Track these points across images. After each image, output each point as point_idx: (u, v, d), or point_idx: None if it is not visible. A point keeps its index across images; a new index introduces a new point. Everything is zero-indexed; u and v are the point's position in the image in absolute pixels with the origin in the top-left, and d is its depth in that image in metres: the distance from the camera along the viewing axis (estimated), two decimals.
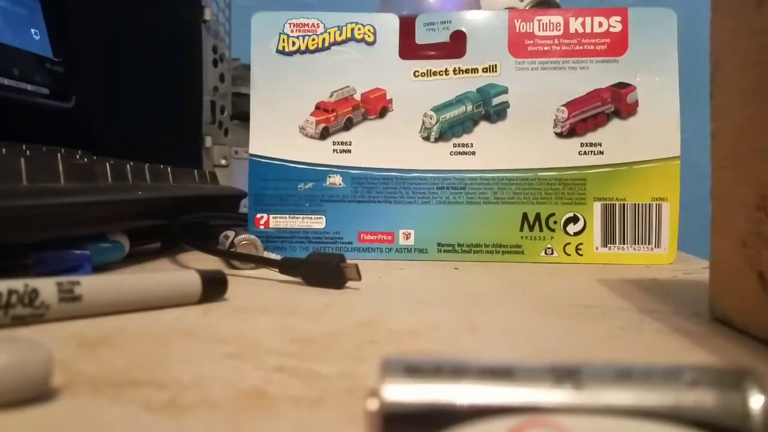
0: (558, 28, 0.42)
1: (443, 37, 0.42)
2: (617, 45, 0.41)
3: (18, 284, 0.20)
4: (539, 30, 0.42)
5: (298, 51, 0.43)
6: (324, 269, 0.30)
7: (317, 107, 0.43)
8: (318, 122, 0.43)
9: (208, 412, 0.14)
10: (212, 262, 0.37)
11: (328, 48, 0.43)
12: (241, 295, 0.27)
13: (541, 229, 0.41)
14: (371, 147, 0.42)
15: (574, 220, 0.41)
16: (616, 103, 0.41)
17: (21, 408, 0.14)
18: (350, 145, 0.43)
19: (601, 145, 0.41)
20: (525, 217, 0.41)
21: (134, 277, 0.26)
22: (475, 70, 0.42)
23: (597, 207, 0.41)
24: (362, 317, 0.24)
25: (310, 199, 0.42)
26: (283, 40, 0.43)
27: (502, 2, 0.59)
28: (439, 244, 0.42)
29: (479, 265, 0.40)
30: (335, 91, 0.43)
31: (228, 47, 0.64)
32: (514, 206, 0.42)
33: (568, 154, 0.42)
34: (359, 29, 0.43)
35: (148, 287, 0.24)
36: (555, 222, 0.41)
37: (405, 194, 0.42)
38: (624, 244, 0.41)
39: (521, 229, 0.41)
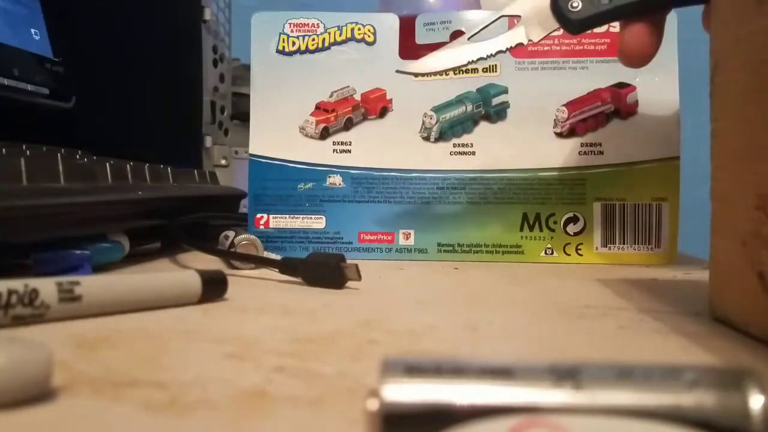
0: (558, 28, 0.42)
1: (443, 37, 0.42)
2: (617, 45, 0.41)
3: (18, 284, 0.20)
4: None
5: (298, 51, 0.43)
6: (324, 269, 0.30)
7: (317, 107, 0.43)
8: (318, 122, 0.43)
9: (208, 412, 0.14)
10: (212, 262, 0.37)
11: (328, 48, 0.43)
12: (241, 295, 0.27)
13: (541, 229, 0.41)
14: (371, 147, 0.42)
15: (574, 220, 0.41)
16: (616, 103, 0.41)
17: (21, 408, 0.14)
18: (350, 145, 0.43)
19: (601, 145, 0.41)
20: (525, 217, 0.41)
21: (134, 277, 0.26)
22: (475, 70, 0.42)
23: (597, 207, 0.41)
24: (362, 317, 0.24)
25: (310, 199, 0.42)
26: (283, 40, 0.43)
27: (502, 2, 0.59)
28: (439, 244, 0.42)
29: (479, 265, 0.40)
30: (335, 91, 0.43)
31: (228, 47, 0.64)
32: (514, 206, 0.42)
33: (568, 154, 0.42)
34: (359, 29, 0.43)
35: (148, 287, 0.24)
36: (555, 222, 0.41)
37: (405, 194, 0.42)
38: (624, 244, 0.41)
39: (521, 229, 0.41)
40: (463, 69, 0.42)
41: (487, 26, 0.37)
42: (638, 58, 0.34)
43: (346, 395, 0.15)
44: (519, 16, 0.35)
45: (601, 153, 0.41)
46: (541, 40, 0.35)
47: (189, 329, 0.22)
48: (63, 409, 0.14)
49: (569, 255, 0.41)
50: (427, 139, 0.42)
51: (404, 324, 0.23)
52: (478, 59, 0.36)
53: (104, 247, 0.33)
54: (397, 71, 0.40)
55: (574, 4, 0.33)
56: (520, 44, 0.36)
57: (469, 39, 0.37)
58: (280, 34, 0.43)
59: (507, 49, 0.36)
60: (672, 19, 0.41)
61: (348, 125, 0.43)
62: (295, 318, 0.24)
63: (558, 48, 0.42)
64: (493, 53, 0.36)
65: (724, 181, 0.23)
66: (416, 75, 0.40)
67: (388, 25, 0.43)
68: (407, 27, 0.43)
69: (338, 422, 0.14)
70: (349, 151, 0.43)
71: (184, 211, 0.40)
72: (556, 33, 0.41)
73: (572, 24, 0.34)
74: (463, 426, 0.11)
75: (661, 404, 0.11)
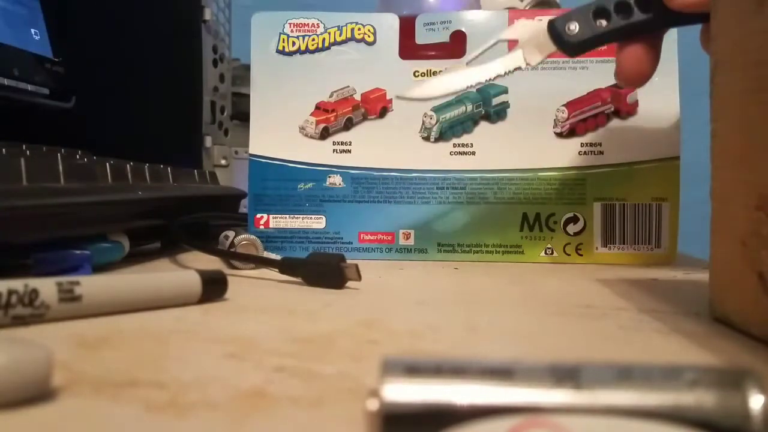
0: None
1: (443, 37, 0.42)
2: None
3: (18, 284, 0.20)
4: None
5: (298, 51, 0.43)
6: (324, 269, 0.30)
7: (317, 107, 0.43)
8: (318, 122, 0.43)
9: (208, 412, 0.14)
10: (212, 262, 0.37)
11: (328, 48, 0.43)
12: (241, 295, 0.27)
13: (541, 229, 0.41)
14: (371, 147, 0.42)
15: (574, 220, 0.41)
16: (616, 103, 0.41)
17: (21, 408, 0.14)
18: (350, 145, 0.43)
19: (601, 145, 0.41)
20: (525, 217, 0.41)
21: (134, 277, 0.26)
22: None
23: (597, 207, 0.41)
24: (362, 317, 0.24)
25: (310, 199, 0.42)
26: (283, 40, 0.43)
27: (502, 2, 0.59)
28: (439, 244, 0.42)
29: (479, 265, 0.40)
30: (335, 91, 0.43)
31: (228, 47, 0.64)
32: (514, 206, 0.42)
33: (568, 154, 0.42)
34: (359, 29, 0.43)
35: (148, 287, 0.24)
36: (555, 222, 0.41)
37: (405, 194, 0.42)
38: (624, 244, 0.41)
39: (521, 229, 0.41)
40: None
41: (484, 51, 0.37)
42: (636, 79, 0.35)
43: (346, 395, 0.15)
44: (517, 40, 0.36)
45: (601, 153, 0.41)
46: (539, 63, 0.36)
47: (189, 329, 0.22)
48: (63, 409, 0.14)
49: (569, 255, 0.41)
50: (427, 139, 0.42)
51: (404, 324, 0.23)
52: (477, 84, 0.37)
53: (104, 247, 0.33)
54: (397, 97, 0.41)
55: (571, 27, 0.33)
56: (519, 68, 0.36)
57: (467, 64, 0.37)
58: (280, 34, 0.43)
59: (506, 73, 0.36)
60: None
61: (348, 125, 0.43)
62: (295, 318, 0.24)
63: None
64: (492, 78, 0.36)
65: (724, 181, 0.23)
66: (416, 100, 0.40)
67: (388, 25, 0.43)
68: (407, 27, 0.43)
69: (338, 422, 0.14)
70: (349, 151, 0.43)
71: (184, 211, 0.40)
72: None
73: (569, 47, 0.34)
74: (463, 426, 0.11)
75: (661, 404, 0.11)
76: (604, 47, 0.37)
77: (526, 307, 0.27)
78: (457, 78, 0.37)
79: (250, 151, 0.43)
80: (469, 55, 0.38)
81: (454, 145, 0.42)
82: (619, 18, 0.33)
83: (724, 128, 0.23)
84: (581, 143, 0.42)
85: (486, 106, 0.42)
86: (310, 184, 0.42)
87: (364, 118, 0.43)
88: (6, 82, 0.47)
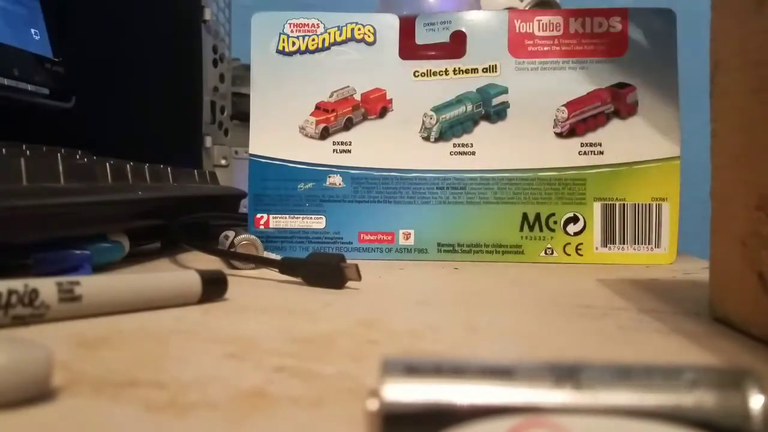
0: (558, 28, 0.42)
1: (443, 37, 0.42)
2: (617, 45, 0.41)
3: (18, 284, 0.20)
4: (539, 30, 0.42)
5: (298, 51, 0.43)
6: (324, 269, 0.30)
7: (317, 107, 0.43)
8: (318, 122, 0.43)
9: (208, 412, 0.14)
10: (212, 262, 0.37)
11: (328, 48, 0.43)
12: (241, 295, 0.27)
13: (541, 229, 0.41)
14: (371, 147, 0.42)
15: (574, 220, 0.41)
16: (616, 103, 0.41)
17: (21, 408, 0.14)
18: (350, 145, 0.43)
19: (601, 145, 0.41)
20: (525, 217, 0.41)
21: (134, 277, 0.26)
22: (475, 70, 0.42)
23: (597, 207, 0.41)
24: (362, 317, 0.24)
25: (310, 199, 0.42)
26: (283, 40, 0.43)
27: (502, 2, 0.59)
28: (439, 244, 0.42)
29: (479, 265, 0.40)
30: (335, 91, 0.43)
31: (228, 47, 0.64)
32: (514, 206, 0.42)
33: (568, 154, 0.42)
34: (359, 29, 0.43)
35: (148, 287, 0.24)
36: (555, 222, 0.41)
37: (405, 194, 0.42)
38: (624, 244, 0.41)
39: (521, 229, 0.41)
40: (463, 69, 0.42)
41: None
42: None
43: (346, 395, 0.15)
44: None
45: (601, 153, 0.41)
46: None
47: (189, 329, 0.22)
48: (63, 409, 0.14)
49: (569, 255, 0.41)
50: (427, 139, 0.42)
51: (404, 324, 0.23)
52: None
53: (104, 247, 0.33)
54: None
55: None
56: None
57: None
58: (280, 34, 0.43)
59: None
60: (672, 18, 0.41)
61: (348, 125, 0.43)
62: (295, 318, 0.24)
63: (558, 48, 0.42)
64: None
65: (724, 181, 0.23)
66: None
67: (388, 25, 0.43)
68: (407, 27, 0.43)
69: (338, 422, 0.14)
70: (349, 151, 0.43)
71: (184, 211, 0.40)
72: (555, 33, 0.42)
73: None
74: (463, 426, 0.11)
75: (661, 404, 0.11)
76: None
77: (526, 307, 0.27)
78: None
79: (250, 151, 0.43)
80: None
81: (454, 145, 0.42)
82: None
83: (724, 128, 0.23)
84: (581, 143, 0.42)
85: (486, 106, 0.42)
86: (310, 184, 0.42)
87: (364, 118, 0.43)
88: (6, 82, 0.47)
